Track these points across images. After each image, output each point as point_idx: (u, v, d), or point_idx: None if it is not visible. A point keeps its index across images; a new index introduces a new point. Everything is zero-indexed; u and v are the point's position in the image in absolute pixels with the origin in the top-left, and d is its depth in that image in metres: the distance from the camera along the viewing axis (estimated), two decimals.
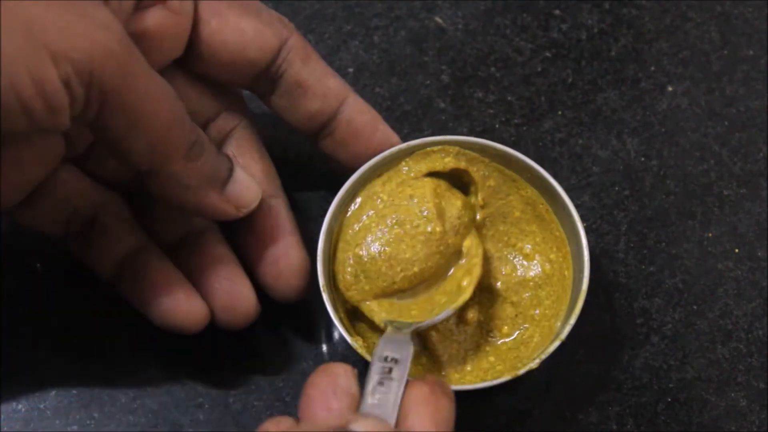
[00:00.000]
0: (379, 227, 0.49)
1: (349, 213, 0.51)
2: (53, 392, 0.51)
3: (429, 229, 0.49)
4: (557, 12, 0.60)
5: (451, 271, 0.50)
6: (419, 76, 0.58)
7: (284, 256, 0.49)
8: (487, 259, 0.51)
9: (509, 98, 0.58)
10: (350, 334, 0.47)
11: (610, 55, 0.59)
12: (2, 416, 0.50)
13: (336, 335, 0.52)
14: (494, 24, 0.60)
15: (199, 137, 0.45)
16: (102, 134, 0.43)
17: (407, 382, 0.42)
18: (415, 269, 0.49)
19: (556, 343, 0.47)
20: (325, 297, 0.48)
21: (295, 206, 0.55)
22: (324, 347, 0.52)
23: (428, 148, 0.51)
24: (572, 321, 0.47)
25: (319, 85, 0.50)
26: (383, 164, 0.51)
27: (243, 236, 0.50)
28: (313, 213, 0.54)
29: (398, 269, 0.49)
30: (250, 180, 0.48)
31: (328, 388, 0.41)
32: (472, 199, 0.52)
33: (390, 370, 0.42)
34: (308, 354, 0.52)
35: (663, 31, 0.60)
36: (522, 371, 0.47)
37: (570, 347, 0.52)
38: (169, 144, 0.43)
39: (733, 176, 0.56)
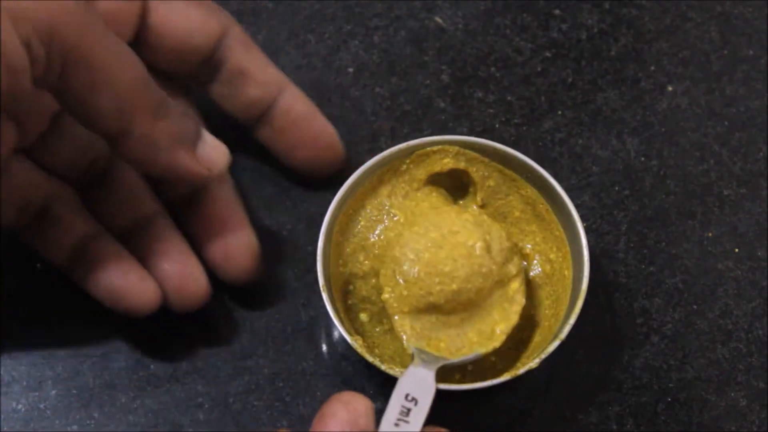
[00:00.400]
0: (413, 232, 0.49)
1: (359, 226, 0.51)
2: (53, 392, 0.51)
3: (470, 243, 0.48)
4: (557, 12, 0.60)
5: (491, 312, 0.49)
6: (419, 76, 0.58)
7: (233, 237, 0.50)
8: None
9: (509, 98, 0.58)
10: (350, 334, 0.47)
11: (610, 55, 0.59)
12: (2, 416, 0.50)
13: (336, 335, 0.52)
14: (494, 24, 0.60)
15: (164, 97, 0.45)
16: (67, 97, 0.42)
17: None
18: (454, 287, 0.47)
19: (556, 343, 0.47)
20: (324, 297, 0.48)
21: (294, 207, 0.55)
22: (324, 347, 0.52)
23: (428, 149, 0.51)
24: (572, 321, 0.47)
25: (260, 73, 0.51)
26: (383, 164, 0.51)
27: (191, 221, 0.50)
28: (312, 212, 0.54)
29: (436, 280, 0.47)
30: (218, 142, 0.48)
31: (346, 423, 0.40)
32: (471, 200, 0.52)
33: (408, 412, 0.42)
34: (308, 354, 0.52)
35: (663, 31, 0.60)
36: (522, 371, 0.47)
37: (570, 347, 0.52)
38: (136, 102, 0.44)
39: (733, 176, 0.56)
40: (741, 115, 0.58)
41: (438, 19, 0.60)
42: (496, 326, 0.48)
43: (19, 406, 0.51)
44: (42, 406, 0.51)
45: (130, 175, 0.50)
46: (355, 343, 0.47)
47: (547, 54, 0.59)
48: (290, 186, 0.55)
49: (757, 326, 0.53)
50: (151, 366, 0.51)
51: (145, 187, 0.50)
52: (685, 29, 0.60)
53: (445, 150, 0.51)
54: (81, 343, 0.52)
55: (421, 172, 0.51)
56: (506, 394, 0.51)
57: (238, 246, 0.50)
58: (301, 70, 0.57)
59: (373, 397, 0.51)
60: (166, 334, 0.52)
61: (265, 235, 0.54)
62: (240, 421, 0.51)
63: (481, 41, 0.59)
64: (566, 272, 0.50)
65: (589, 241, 0.49)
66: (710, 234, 0.55)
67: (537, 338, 0.50)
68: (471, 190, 0.52)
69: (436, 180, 0.52)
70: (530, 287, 0.51)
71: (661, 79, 0.58)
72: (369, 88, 0.58)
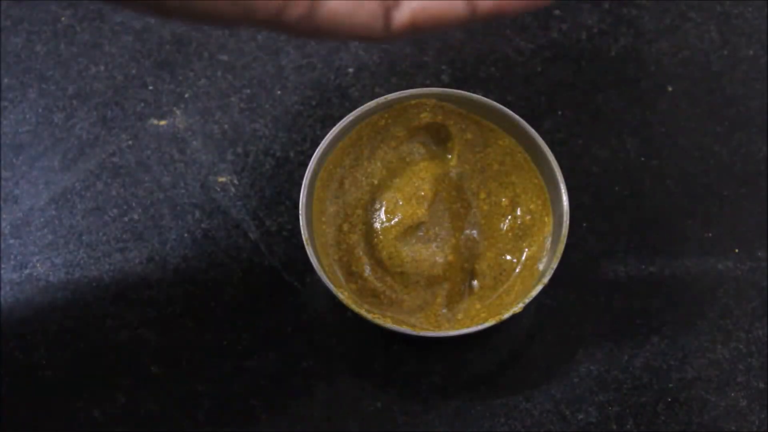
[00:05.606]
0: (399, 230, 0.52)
1: (344, 187, 0.52)
2: (53, 392, 0.51)
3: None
4: (557, 12, 0.60)
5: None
6: (419, 76, 0.58)
7: None
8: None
9: (509, 98, 0.58)
10: (336, 287, 0.48)
11: (610, 55, 0.59)
12: (2, 416, 0.50)
13: (335, 336, 0.52)
14: (494, 24, 0.59)
15: None
16: None
17: None
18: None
19: (539, 287, 0.48)
20: (309, 251, 0.48)
21: (294, 207, 0.55)
22: (324, 347, 0.52)
23: (405, 103, 0.52)
24: (554, 265, 0.48)
25: None
26: (361, 118, 0.51)
27: None
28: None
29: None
30: None
31: None
32: (451, 158, 0.53)
33: None
34: (309, 354, 0.52)
35: (663, 31, 0.60)
36: (506, 315, 0.48)
37: (570, 347, 0.52)
38: None
39: (733, 176, 0.56)
40: (741, 115, 0.58)
41: None
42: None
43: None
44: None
45: None
46: (341, 294, 0.48)
47: (547, 54, 0.59)
48: (290, 186, 0.55)
49: (757, 326, 0.53)
50: (152, 366, 0.52)
51: None
52: (685, 29, 0.60)
53: (423, 103, 0.52)
54: (81, 343, 0.52)
55: (400, 129, 0.52)
56: (506, 393, 0.51)
57: None
58: (301, 70, 0.57)
59: (371, 396, 0.51)
60: (167, 334, 0.52)
61: (265, 235, 0.54)
62: (240, 421, 0.51)
63: (481, 41, 0.59)
64: (546, 219, 0.51)
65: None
66: (710, 234, 0.55)
67: (518, 286, 0.51)
68: (449, 145, 0.53)
69: (417, 136, 0.53)
70: (510, 239, 0.52)
71: (661, 79, 0.58)
72: (369, 88, 0.58)
